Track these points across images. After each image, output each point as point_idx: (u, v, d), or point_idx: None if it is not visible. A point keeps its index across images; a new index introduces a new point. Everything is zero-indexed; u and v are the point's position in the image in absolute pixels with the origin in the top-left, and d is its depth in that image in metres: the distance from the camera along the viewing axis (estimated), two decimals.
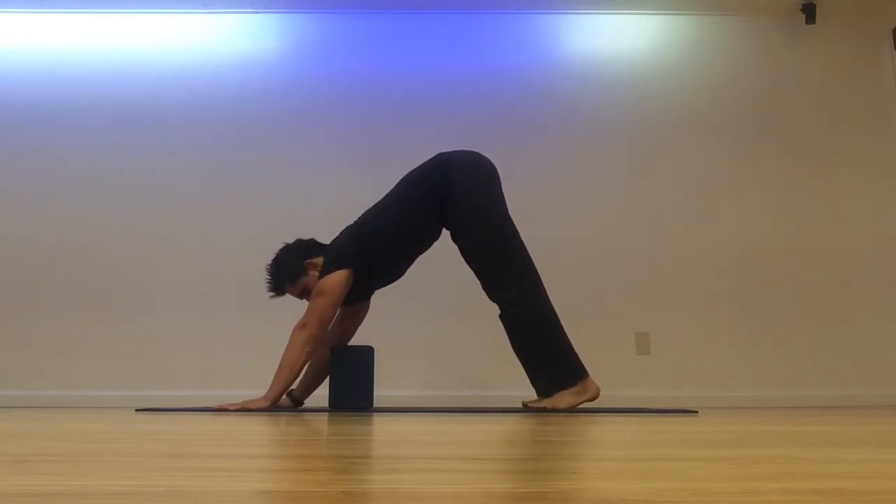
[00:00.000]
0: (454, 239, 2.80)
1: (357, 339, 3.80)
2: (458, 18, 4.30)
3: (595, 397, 2.64)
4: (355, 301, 2.83)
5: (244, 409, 2.49)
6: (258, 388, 2.63)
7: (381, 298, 3.97)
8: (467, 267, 3.89)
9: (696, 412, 2.50)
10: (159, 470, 0.74)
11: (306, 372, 2.80)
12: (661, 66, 4.24)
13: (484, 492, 0.58)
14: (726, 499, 0.54)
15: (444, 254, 3.99)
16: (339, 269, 2.64)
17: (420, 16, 4.32)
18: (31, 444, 1.10)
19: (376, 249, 2.72)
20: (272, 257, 2.78)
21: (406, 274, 3.88)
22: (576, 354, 2.67)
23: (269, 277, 2.76)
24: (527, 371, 2.73)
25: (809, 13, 4.15)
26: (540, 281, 2.73)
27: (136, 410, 2.73)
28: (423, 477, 0.68)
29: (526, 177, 4.06)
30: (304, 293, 2.76)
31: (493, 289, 2.71)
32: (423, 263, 3.99)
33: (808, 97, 4.19)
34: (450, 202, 2.70)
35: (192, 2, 4.18)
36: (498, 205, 2.77)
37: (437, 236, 2.85)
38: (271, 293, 2.77)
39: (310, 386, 2.88)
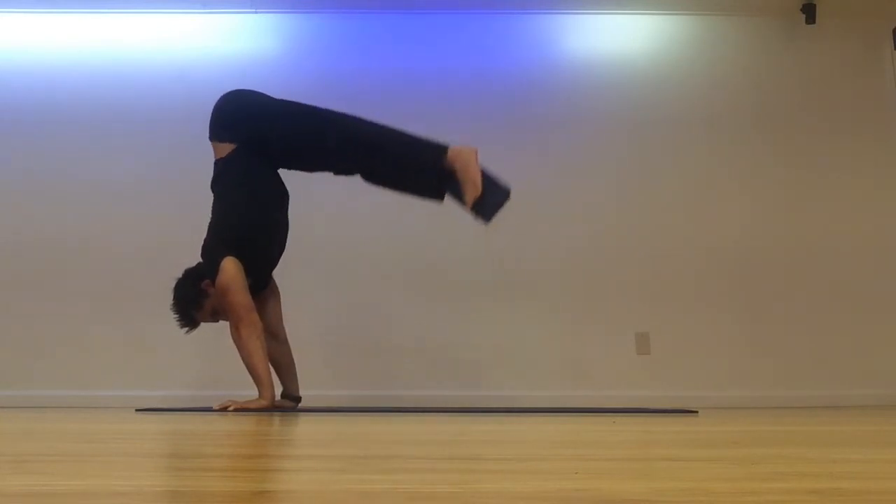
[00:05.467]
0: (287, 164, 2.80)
1: (367, 335, 3.81)
2: (457, 18, 4.29)
3: (472, 153, 2.56)
4: (257, 292, 2.76)
5: (244, 409, 2.50)
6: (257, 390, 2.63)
7: (382, 298, 3.98)
8: (467, 267, 3.90)
9: (696, 412, 2.50)
10: (159, 470, 0.74)
11: (275, 371, 2.80)
12: (660, 66, 4.24)
13: (483, 492, 0.58)
14: (726, 499, 0.54)
15: (443, 254, 4.00)
16: (220, 262, 2.61)
17: (420, 16, 4.31)
18: (31, 444, 1.10)
19: (237, 225, 2.71)
20: (171, 298, 2.72)
21: (405, 274, 3.90)
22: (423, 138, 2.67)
23: (176, 316, 2.71)
24: (416, 189, 2.73)
25: (809, 13, 4.15)
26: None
27: (136, 410, 2.73)
28: (423, 477, 0.68)
29: (525, 177, 4.05)
30: (214, 314, 2.71)
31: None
32: (423, 264, 3.99)
33: (808, 97, 4.19)
34: (258, 141, 2.71)
35: (192, 2, 4.18)
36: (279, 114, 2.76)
37: (276, 173, 2.83)
38: (185, 328, 2.72)
39: (289, 379, 2.88)
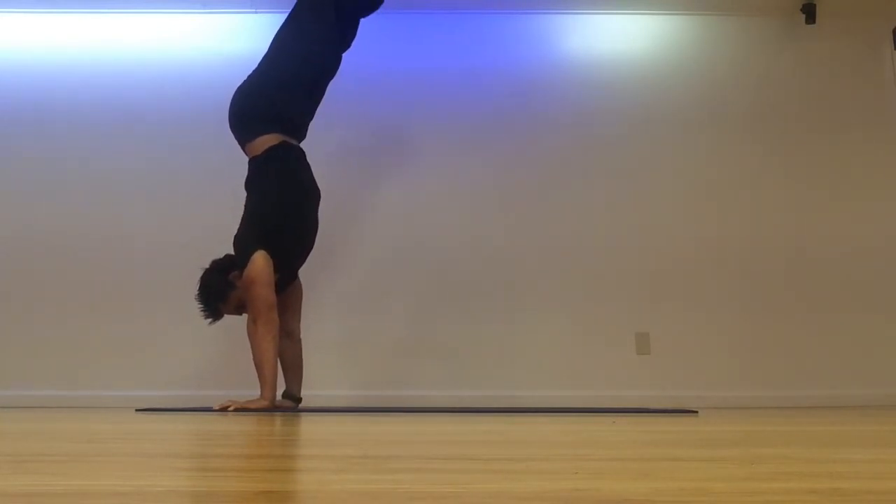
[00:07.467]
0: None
1: (367, 336, 3.81)
2: (457, 18, 4.29)
3: None
4: (282, 289, 2.78)
5: (244, 409, 2.50)
6: (258, 388, 2.63)
7: (382, 299, 3.98)
8: (467, 267, 3.90)
9: (696, 412, 2.50)
10: (159, 470, 0.74)
11: (282, 369, 2.80)
12: (661, 66, 4.24)
13: (483, 492, 0.58)
14: (726, 499, 0.54)
15: (444, 255, 3.99)
16: (251, 253, 2.63)
17: (419, 16, 4.31)
18: (31, 444, 1.10)
19: (268, 222, 2.74)
20: (197, 288, 2.73)
21: (405, 274, 3.90)
22: None
23: (201, 306, 2.71)
24: None
25: (809, 13, 4.14)
26: None
27: (136, 410, 2.73)
28: (423, 477, 0.68)
29: (525, 177, 4.06)
30: (239, 307, 2.72)
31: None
32: (423, 264, 3.99)
33: (808, 97, 4.18)
34: (278, 115, 2.87)
35: (192, 2, 4.18)
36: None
37: (301, 133, 2.98)
38: (209, 319, 2.73)
39: (294, 379, 2.89)
